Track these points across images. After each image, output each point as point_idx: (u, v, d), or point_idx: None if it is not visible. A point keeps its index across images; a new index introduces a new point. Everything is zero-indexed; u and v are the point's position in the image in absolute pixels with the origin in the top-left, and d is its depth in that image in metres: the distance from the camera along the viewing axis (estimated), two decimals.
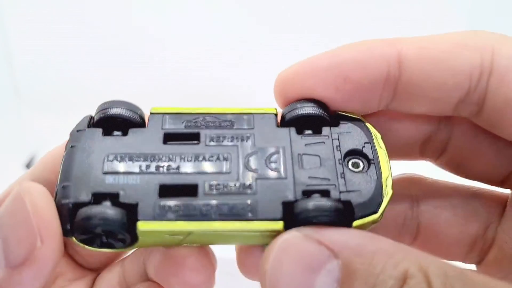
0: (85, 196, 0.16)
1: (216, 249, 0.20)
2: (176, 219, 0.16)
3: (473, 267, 0.22)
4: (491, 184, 0.22)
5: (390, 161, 0.18)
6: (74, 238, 0.17)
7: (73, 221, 0.16)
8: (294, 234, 0.16)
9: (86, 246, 0.17)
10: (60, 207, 0.16)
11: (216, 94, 0.54)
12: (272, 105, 0.19)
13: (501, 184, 0.21)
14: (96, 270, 0.22)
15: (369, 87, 0.18)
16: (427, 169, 0.23)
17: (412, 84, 0.18)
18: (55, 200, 0.17)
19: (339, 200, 0.16)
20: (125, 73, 0.56)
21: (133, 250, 0.21)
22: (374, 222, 0.17)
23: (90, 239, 0.17)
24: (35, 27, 0.56)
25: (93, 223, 0.16)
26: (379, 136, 0.18)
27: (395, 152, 0.20)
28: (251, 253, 0.19)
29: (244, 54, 0.55)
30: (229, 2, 0.55)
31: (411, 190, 0.22)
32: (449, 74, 0.17)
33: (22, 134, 0.57)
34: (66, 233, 0.17)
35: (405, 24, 0.51)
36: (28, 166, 0.54)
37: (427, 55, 0.18)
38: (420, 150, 0.22)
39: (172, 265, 0.19)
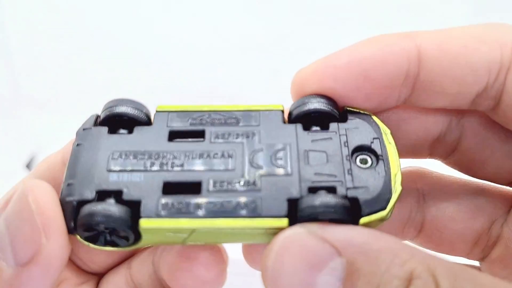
0: (89, 194, 0.16)
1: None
2: (179, 217, 0.16)
3: (476, 263, 0.22)
4: (500, 184, 0.22)
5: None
6: (78, 236, 0.17)
7: (77, 218, 0.16)
8: (298, 230, 0.15)
9: (91, 245, 0.17)
10: (64, 205, 0.16)
11: (222, 94, 0.54)
12: (278, 103, 0.19)
13: (511, 184, 0.21)
14: (99, 274, 0.22)
15: (389, 85, 0.18)
16: (432, 164, 0.23)
17: (431, 79, 0.18)
18: (60, 198, 0.17)
19: (345, 197, 0.16)
20: (126, 73, 0.56)
21: (140, 253, 0.21)
22: (382, 219, 0.16)
23: (94, 237, 0.17)
24: (35, 27, 0.56)
25: (96, 220, 0.16)
26: (388, 131, 0.18)
27: (404, 151, 0.20)
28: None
29: (250, 54, 0.55)
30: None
31: (417, 184, 0.22)
32: (468, 69, 0.17)
33: (22, 134, 0.57)
34: (70, 230, 0.16)
35: (410, 13, 0.51)
36: (28, 166, 0.54)
37: (446, 51, 0.17)
38: (430, 150, 0.21)
39: (185, 261, 0.19)
